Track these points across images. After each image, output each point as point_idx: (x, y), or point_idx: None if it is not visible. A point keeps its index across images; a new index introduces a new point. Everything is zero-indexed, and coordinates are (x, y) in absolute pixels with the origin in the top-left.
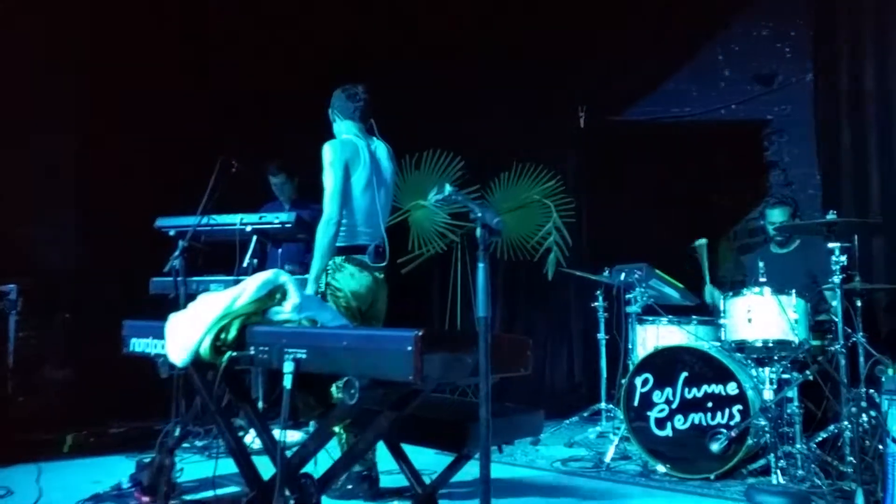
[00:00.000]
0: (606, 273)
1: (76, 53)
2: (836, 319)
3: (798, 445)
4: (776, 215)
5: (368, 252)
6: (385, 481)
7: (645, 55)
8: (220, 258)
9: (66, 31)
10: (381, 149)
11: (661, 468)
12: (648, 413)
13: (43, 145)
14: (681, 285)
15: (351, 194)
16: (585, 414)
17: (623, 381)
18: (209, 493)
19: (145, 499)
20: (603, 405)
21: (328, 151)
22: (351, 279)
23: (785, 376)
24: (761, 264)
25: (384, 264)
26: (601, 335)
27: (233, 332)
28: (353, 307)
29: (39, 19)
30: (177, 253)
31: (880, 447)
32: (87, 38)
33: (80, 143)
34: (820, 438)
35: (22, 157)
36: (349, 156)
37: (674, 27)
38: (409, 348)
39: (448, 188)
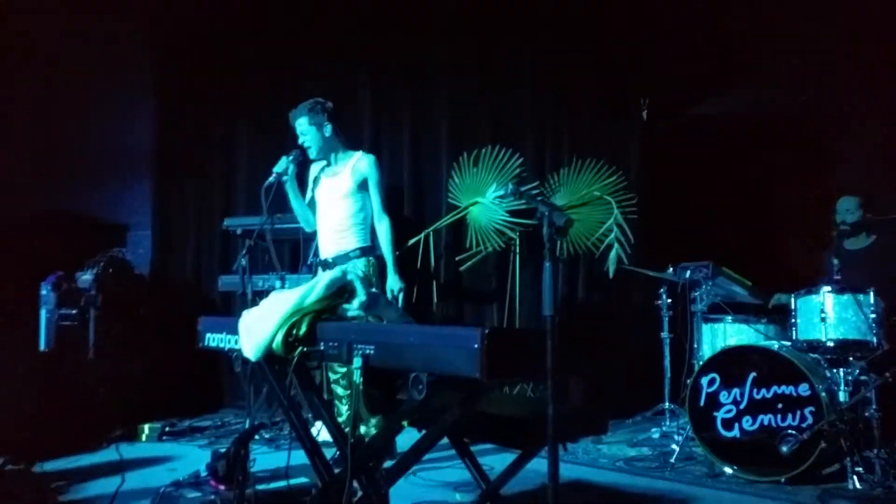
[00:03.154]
0: (671, 270)
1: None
2: None
3: (876, 450)
4: (845, 206)
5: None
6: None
7: (710, 47)
8: (284, 257)
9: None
10: None
11: (728, 470)
12: (715, 413)
13: (123, 141)
14: (749, 283)
15: None
16: (649, 413)
17: (688, 380)
18: (282, 483)
19: (221, 487)
20: (667, 405)
21: (376, 165)
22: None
23: (862, 378)
24: (836, 261)
25: None
26: (665, 334)
27: (304, 328)
28: None
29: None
30: (244, 251)
31: None
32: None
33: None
34: None
35: (102, 154)
36: None
37: (741, 19)
38: (476, 345)
39: (511, 186)
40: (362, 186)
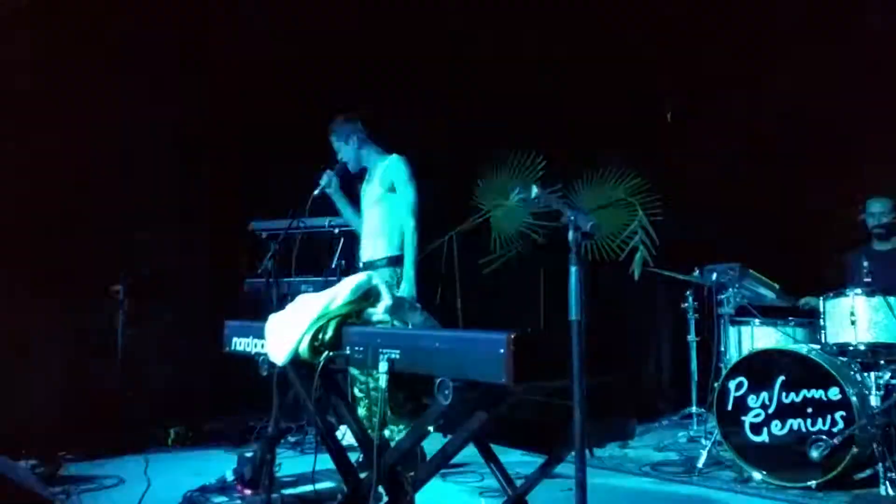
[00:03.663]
0: (697, 273)
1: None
2: None
3: None
4: (877, 206)
5: None
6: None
7: (737, 47)
8: (311, 259)
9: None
10: None
11: (756, 475)
12: (743, 418)
13: (144, 154)
14: (777, 285)
15: None
16: (675, 417)
17: (716, 384)
18: (308, 488)
19: (247, 491)
20: (694, 409)
21: (408, 166)
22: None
23: (894, 382)
24: (866, 263)
25: None
26: (692, 337)
27: (330, 333)
28: None
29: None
30: (269, 254)
31: None
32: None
33: (181, 151)
34: None
35: (125, 164)
36: None
37: (760, 21)
38: (502, 350)
39: (535, 189)
40: (391, 190)
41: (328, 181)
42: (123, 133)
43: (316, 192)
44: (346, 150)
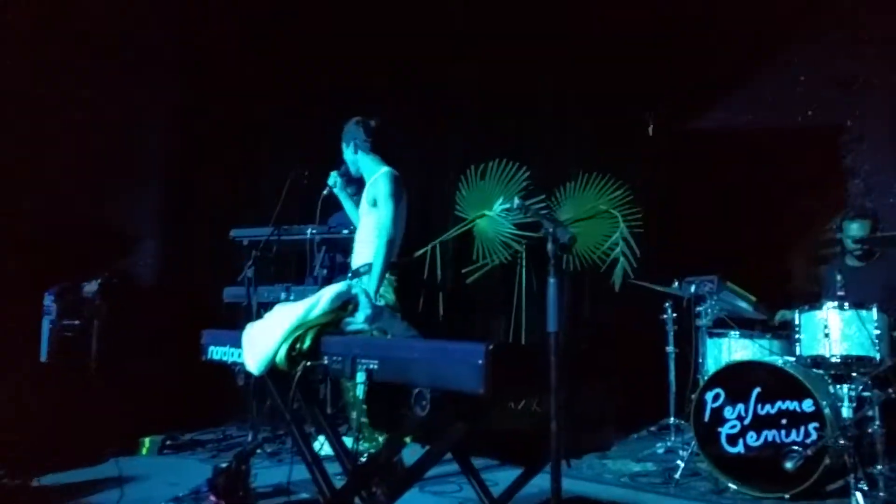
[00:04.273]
0: (676, 285)
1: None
2: None
3: (880, 466)
4: (856, 229)
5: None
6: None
7: (716, 61)
8: (291, 268)
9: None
10: None
11: (732, 486)
12: (719, 429)
13: (130, 155)
14: (753, 298)
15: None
16: (653, 428)
17: (693, 395)
18: (282, 500)
19: (221, 503)
20: (672, 420)
21: (390, 183)
22: (390, 290)
23: (865, 394)
24: (839, 277)
25: None
26: (670, 348)
27: (307, 342)
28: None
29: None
30: (249, 263)
31: None
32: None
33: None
34: None
35: (108, 164)
36: (402, 189)
37: (746, 32)
38: (480, 361)
39: (517, 200)
40: (374, 205)
41: (334, 181)
42: (102, 135)
43: (325, 192)
44: (346, 153)
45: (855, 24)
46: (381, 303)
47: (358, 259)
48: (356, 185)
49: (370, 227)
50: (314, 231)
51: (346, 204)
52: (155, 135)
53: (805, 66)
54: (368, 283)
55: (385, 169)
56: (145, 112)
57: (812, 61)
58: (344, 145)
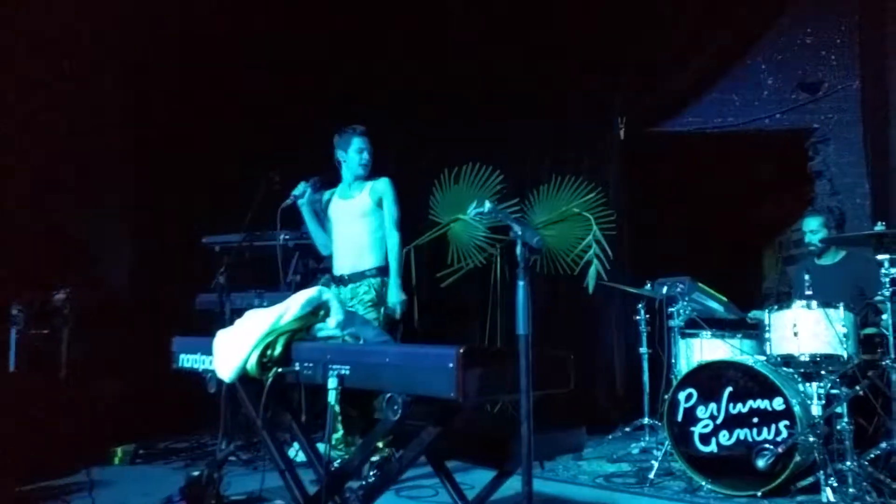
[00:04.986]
0: (648, 286)
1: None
2: (887, 333)
3: (849, 462)
4: (809, 224)
5: None
6: None
7: (686, 65)
8: (264, 274)
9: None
10: None
11: (706, 485)
12: (692, 428)
13: (99, 162)
14: (724, 298)
15: None
16: (628, 429)
17: (666, 396)
18: None
19: None
20: (646, 420)
21: (392, 186)
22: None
23: (834, 391)
24: (807, 276)
25: None
26: (643, 349)
27: (279, 349)
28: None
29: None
30: (222, 269)
31: None
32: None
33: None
34: (871, 456)
35: (77, 171)
36: None
37: (715, 36)
38: (451, 365)
39: (488, 204)
40: (379, 205)
41: (302, 191)
42: (69, 141)
43: (288, 201)
44: (340, 160)
45: (821, 29)
46: (399, 299)
47: (355, 263)
48: (320, 200)
49: (372, 228)
50: (287, 237)
51: (309, 216)
52: (124, 141)
53: (772, 71)
54: (391, 279)
55: (385, 177)
56: (113, 117)
57: (779, 66)
58: (342, 146)
